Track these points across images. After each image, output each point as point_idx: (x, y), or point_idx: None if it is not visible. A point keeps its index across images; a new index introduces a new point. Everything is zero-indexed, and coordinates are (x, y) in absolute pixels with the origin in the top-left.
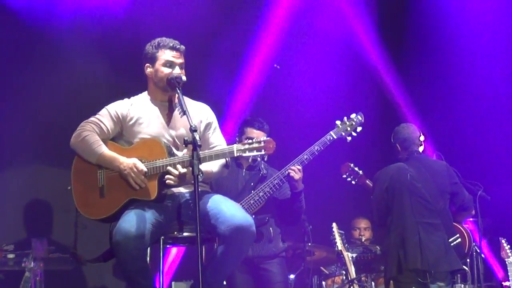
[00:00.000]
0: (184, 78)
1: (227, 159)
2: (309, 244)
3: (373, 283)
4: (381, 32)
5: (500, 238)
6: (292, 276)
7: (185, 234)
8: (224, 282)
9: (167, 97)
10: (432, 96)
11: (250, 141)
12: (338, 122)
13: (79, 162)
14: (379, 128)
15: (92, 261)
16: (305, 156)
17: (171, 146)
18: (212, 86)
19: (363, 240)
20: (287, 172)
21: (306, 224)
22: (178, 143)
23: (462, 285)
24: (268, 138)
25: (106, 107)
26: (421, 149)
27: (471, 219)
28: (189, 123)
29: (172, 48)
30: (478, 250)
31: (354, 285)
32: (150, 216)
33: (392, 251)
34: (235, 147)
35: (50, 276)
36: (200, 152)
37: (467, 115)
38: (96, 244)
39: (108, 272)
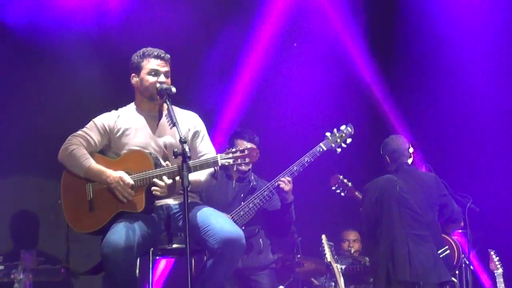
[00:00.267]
0: (174, 89)
1: (215, 168)
2: (298, 255)
3: None
4: (370, 43)
5: (489, 250)
6: None
7: (174, 245)
8: None
9: (154, 107)
10: (421, 107)
11: (233, 149)
12: (328, 134)
13: (67, 176)
14: (368, 139)
15: (83, 273)
16: (295, 168)
17: (158, 157)
18: (202, 96)
19: (352, 252)
20: (277, 184)
21: (296, 236)
22: (167, 152)
23: None
24: (252, 146)
25: (93, 119)
26: (410, 160)
27: (460, 231)
28: (179, 135)
29: (157, 57)
30: (467, 262)
31: None
32: (138, 228)
33: (381, 262)
34: (219, 156)
35: (39, 287)
36: (190, 162)
37: (456, 127)
38: (87, 256)
39: (98, 284)
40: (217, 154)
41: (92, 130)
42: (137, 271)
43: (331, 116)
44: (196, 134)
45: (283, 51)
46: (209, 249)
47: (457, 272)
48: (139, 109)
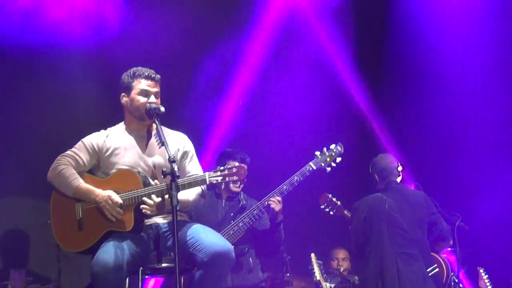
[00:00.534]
0: (162, 109)
1: (202, 187)
2: (288, 274)
3: None
4: (360, 61)
5: (478, 268)
6: None
7: (163, 265)
8: None
9: (144, 127)
10: (410, 125)
11: (222, 167)
12: (317, 153)
13: (57, 196)
14: (357, 158)
15: None
16: (284, 187)
17: (146, 176)
18: (191, 114)
19: (341, 270)
20: (267, 203)
21: (285, 255)
22: (155, 172)
23: None
24: (240, 164)
25: (82, 139)
26: (399, 179)
27: (449, 249)
28: (168, 154)
29: (147, 77)
30: (457, 280)
31: None
32: (128, 247)
33: (370, 281)
34: (207, 174)
35: None
36: (179, 180)
37: (445, 145)
38: (77, 276)
39: None
40: (205, 172)
41: (81, 150)
42: None
43: (320, 134)
44: (185, 154)
45: (273, 71)
46: (197, 263)
47: None
48: (129, 129)
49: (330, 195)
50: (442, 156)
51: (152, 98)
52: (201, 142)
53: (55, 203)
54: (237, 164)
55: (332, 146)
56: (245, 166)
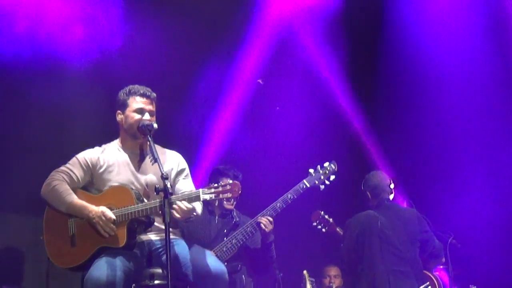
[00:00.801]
0: (155, 125)
1: (201, 203)
2: None
3: None
4: (352, 79)
5: (470, 285)
6: None
7: (156, 282)
8: None
9: (138, 145)
10: (403, 143)
11: (215, 184)
12: (311, 171)
13: (50, 212)
14: (350, 175)
15: None
16: (278, 204)
17: (140, 193)
18: (184, 132)
19: None
20: (257, 223)
21: (277, 272)
22: (148, 191)
23: None
24: (234, 181)
25: (76, 155)
26: (391, 196)
27: (441, 266)
28: (161, 171)
29: (143, 95)
30: None
31: None
32: (120, 263)
33: None
34: (201, 191)
35: None
36: (173, 197)
37: (438, 162)
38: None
39: None
40: (198, 189)
41: (75, 166)
42: None
43: (313, 151)
44: (179, 173)
45: (266, 89)
46: (190, 283)
47: None
48: (123, 146)
49: (322, 212)
50: (435, 173)
51: (147, 116)
52: (194, 159)
53: (48, 219)
54: (230, 181)
55: (326, 164)
56: (239, 183)
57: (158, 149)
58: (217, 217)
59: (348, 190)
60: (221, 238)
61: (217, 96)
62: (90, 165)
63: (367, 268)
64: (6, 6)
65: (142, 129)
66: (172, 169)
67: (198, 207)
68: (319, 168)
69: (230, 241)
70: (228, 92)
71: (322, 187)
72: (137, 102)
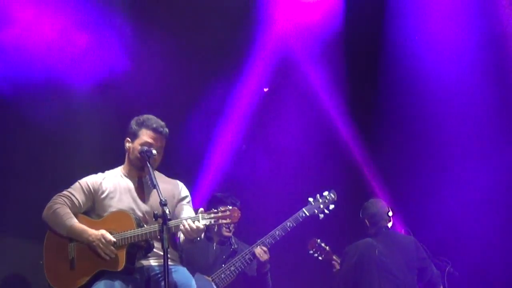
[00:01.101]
0: (154, 152)
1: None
2: None
3: None
4: (350, 106)
5: None
6: None
7: None
8: None
9: (140, 173)
10: (401, 171)
11: (215, 210)
12: (310, 199)
13: (50, 236)
14: (348, 202)
15: None
16: (277, 232)
17: (140, 219)
18: (184, 158)
19: None
20: (252, 252)
21: None
22: (148, 218)
23: None
24: (234, 207)
25: (79, 180)
26: (389, 224)
27: None
28: (159, 197)
29: (155, 130)
30: None
31: None
32: (119, 287)
33: None
34: (201, 215)
35: None
36: (170, 222)
37: (436, 190)
38: None
39: None
40: (198, 214)
41: (77, 190)
42: None
43: (311, 178)
44: (181, 200)
45: (265, 116)
46: None
47: None
48: (126, 173)
49: (318, 240)
50: (434, 202)
51: (153, 152)
52: (193, 186)
53: (49, 243)
54: (230, 207)
55: (325, 193)
56: (238, 210)
57: (161, 177)
58: (215, 244)
59: (345, 217)
60: (219, 265)
61: (216, 122)
62: (92, 190)
63: None
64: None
65: (141, 155)
66: (173, 196)
67: None
68: (319, 197)
69: (228, 268)
70: (226, 118)
71: (322, 216)
72: (147, 136)
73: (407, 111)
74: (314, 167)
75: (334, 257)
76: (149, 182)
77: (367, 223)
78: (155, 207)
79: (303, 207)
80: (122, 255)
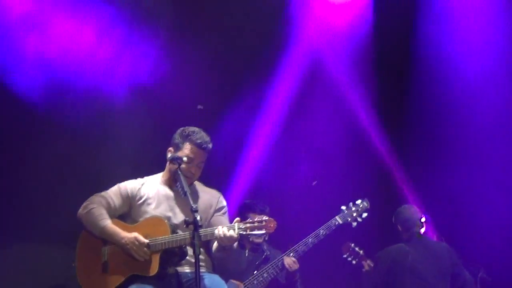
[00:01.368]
0: (185, 159)
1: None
2: None
3: None
4: (382, 112)
5: None
6: None
7: None
8: None
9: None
10: (434, 177)
11: (251, 220)
12: (343, 207)
13: (84, 237)
14: (380, 209)
15: None
16: (310, 240)
17: (175, 226)
18: (214, 166)
19: None
20: (281, 263)
21: None
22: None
23: None
24: (269, 218)
25: (118, 184)
26: (422, 230)
27: None
28: (190, 203)
29: (199, 146)
30: None
31: None
32: None
33: None
34: (236, 225)
35: None
36: (202, 230)
37: (469, 196)
38: None
39: None
40: (234, 223)
41: (115, 194)
42: None
43: (343, 185)
44: (218, 210)
45: (295, 122)
46: None
47: None
48: (165, 182)
49: (352, 244)
50: (466, 207)
51: (193, 168)
52: (225, 193)
53: (82, 246)
54: (265, 217)
55: (358, 202)
56: (274, 220)
57: (200, 186)
58: (247, 251)
59: (378, 223)
60: (251, 272)
61: (248, 128)
62: (130, 195)
63: None
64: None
65: (172, 161)
66: (211, 206)
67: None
68: (352, 205)
69: (261, 275)
70: (259, 122)
71: (355, 224)
72: (190, 151)
73: (438, 114)
74: (346, 173)
75: (367, 261)
76: (180, 190)
77: (400, 228)
78: (190, 215)
79: (336, 215)
80: (156, 260)
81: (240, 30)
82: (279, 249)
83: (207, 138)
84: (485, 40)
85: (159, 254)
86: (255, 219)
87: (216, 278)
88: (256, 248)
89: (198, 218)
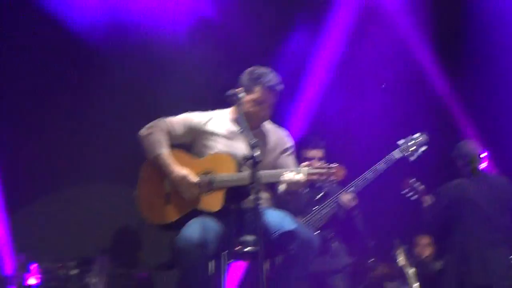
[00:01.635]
0: (240, 95)
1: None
2: (372, 259)
3: None
4: (438, 46)
5: None
6: None
7: (247, 249)
8: None
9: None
10: (492, 110)
11: (320, 165)
12: (400, 142)
13: (147, 169)
14: (439, 144)
15: (157, 268)
16: (368, 175)
17: (241, 164)
18: None
19: (424, 256)
20: (337, 201)
21: (369, 240)
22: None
23: None
24: (339, 165)
25: (187, 113)
26: (482, 165)
27: None
28: (248, 138)
29: (272, 89)
30: None
31: None
32: (213, 227)
33: (453, 268)
34: (306, 169)
35: None
36: (267, 171)
37: None
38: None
39: None
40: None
41: (180, 122)
42: (210, 273)
43: (400, 119)
44: (285, 150)
45: (350, 59)
46: (281, 251)
47: None
48: (233, 119)
49: (412, 180)
50: None
51: (265, 109)
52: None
53: (144, 176)
54: (336, 164)
55: (416, 135)
56: (344, 168)
57: (268, 124)
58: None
59: (437, 159)
60: (311, 208)
61: (303, 64)
62: (194, 128)
63: (458, 237)
64: None
65: (227, 98)
66: (277, 145)
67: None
68: (410, 139)
69: (320, 211)
70: (314, 60)
71: (412, 158)
72: (263, 94)
73: (497, 48)
74: (403, 110)
75: (428, 197)
76: (239, 126)
77: (459, 164)
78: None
79: (392, 150)
80: (220, 198)
81: None
82: (338, 185)
83: (278, 79)
84: None
85: (224, 191)
86: (325, 165)
87: (277, 212)
88: (314, 184)
89: (257, 153)
